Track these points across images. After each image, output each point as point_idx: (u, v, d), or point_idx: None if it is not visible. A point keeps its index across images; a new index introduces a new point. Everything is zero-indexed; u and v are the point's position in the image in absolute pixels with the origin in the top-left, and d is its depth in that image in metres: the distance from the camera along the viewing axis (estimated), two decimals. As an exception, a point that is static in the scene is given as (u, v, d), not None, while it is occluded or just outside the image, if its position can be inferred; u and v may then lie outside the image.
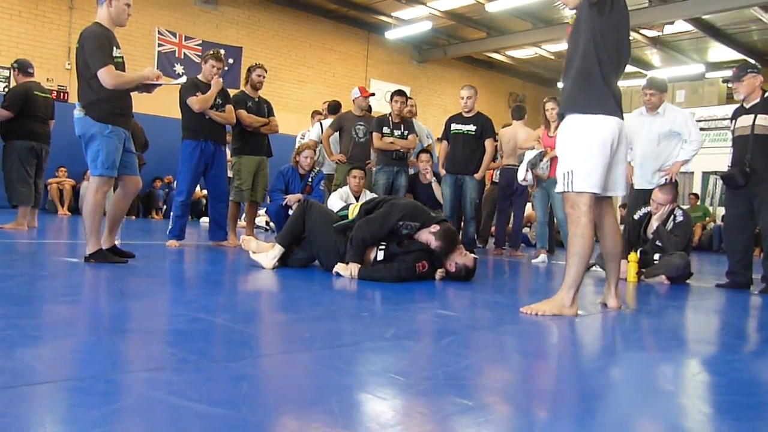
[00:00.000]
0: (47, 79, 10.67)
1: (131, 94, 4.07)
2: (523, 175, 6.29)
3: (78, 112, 3.83)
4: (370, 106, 7.96)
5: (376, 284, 3.66)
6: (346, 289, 3.50)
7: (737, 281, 4.63)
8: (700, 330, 3.22)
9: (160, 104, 10.24)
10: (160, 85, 4.15)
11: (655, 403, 1.68)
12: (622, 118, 2.92)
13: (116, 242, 4.10)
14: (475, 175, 6.34)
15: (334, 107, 7.69)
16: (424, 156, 6.77)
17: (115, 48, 3.83)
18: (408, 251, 3.87)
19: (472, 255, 4.11)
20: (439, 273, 3.97)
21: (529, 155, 6.16)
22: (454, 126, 6.46)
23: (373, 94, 6.96)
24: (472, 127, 6.33)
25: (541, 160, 6.01)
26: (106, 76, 3.70)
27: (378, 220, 3.91)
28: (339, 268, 3.89)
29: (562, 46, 15.20)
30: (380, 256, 3.88)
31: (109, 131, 3.80)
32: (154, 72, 3.99)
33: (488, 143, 6.36)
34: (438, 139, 7.15)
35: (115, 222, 4.09)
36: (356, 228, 3.90)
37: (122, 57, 3.92)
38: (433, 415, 1.44)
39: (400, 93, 6.65)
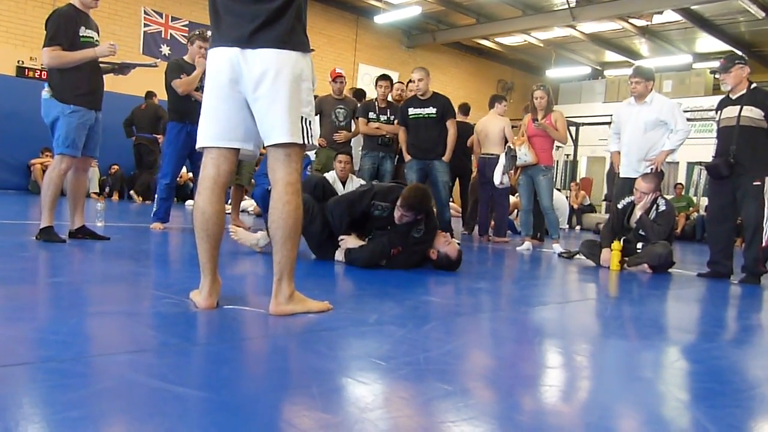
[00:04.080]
0: (30, 57, 10.50)
1: (105, 76, 4.10)
2: (499, 179, 6.29)
3: (45, 93, 3.87)
4: (361, 91, 7.90)
5: (360, 270, 3.66)
6: (330, 274, 3.50)
7: (718, 271, 4.69)
8: (680, 318, 3.26)
9: (144, 85, 10.14)
10: (135, 67, 4.11)
11: (633, 390, 1.70)
12: (247, 43, 2.13)
13: (98, 224, 4.08)
14: (444, 158, 6.22)
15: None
16: None
17: (84, 28, 3.85)
18: (383, 234, 3.81)
19: (457, 245, 4.02)
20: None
21: (503, 159, 6.18)
22: (412, 111, 6.18)
23: (340, 75, 6.79)
24: (432, 110, 6.11)
25: (513, 158, 6.03)
26: (45, 55, 3.78)
27: (348, 200, 3.86)
28: (337, 253, 3.85)
29: (552, 33, 15.24)
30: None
31: (70, 111, 3.82)
32: (106, 49, 3.87)
33: (450, 124, 6.18)
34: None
35: (77, 201, 4.12)
36: (330, 205, 3.86)
37: (92, 37, 3.90)
38: (413, 400, 1.45)
39: (384, 78, 6.60)
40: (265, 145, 2.22)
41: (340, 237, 3.84)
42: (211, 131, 2.24)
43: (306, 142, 2.21)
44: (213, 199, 2.23)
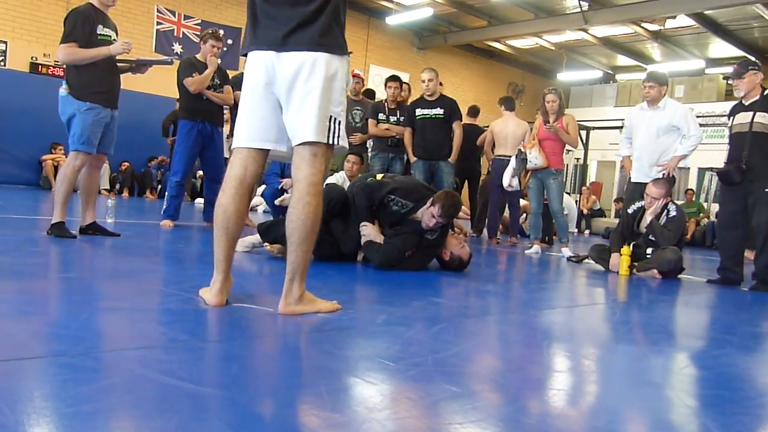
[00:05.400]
0: (44, 54, 10.58)
1: (122, 75, 4.14)
2: (507, 181, 6.29)
3: (63, 90, 3.91)
4: (371, 91, 7.90)
5: (369, 270, 3.66)
6: (339, 274, 3.51)
7: (728, 278, 4.66)
8: (689, 324, 3.24)
9: (156, 83, 10.19)
10: (151, 65, 4.15)
11: (642, 395, 1.70)
12: (282, 46, 2.15)
13: (108, 221, 4.10)
14: (450, 159, 6.25)
15: None
16: None
17: (101, 26, 3.90)
18: (397, 234, 3.77)
19: (468, 249, 4.06)
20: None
21: (513, 162, 6.19)
22: (419, 111, 6.23)
23: (359, 76, 6.84)
24: (439, 111, 6.18)
25: (524, 161, 6.01)
26: (60, 52, 3.82)
27: (370, 187, 3.82)
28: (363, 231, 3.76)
29: (564, 36, 15.19)
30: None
31: (86, 108, 3.86)
32: (120, 46, 3.88)
33: (456, 125, 6.25)
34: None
35: (89, 197, 4.14)
36: (354, 189, 3.84)
37: (110, 36, 3.95)
38: (421, 401, 1.45)
39: (393, 78, 6.60)
40: (293, 144, 2.21)
41: (362, 223, 3.77)
42: (245, 133, 2.26)
43: (333, 142, 2.20)
44: (236, 198, 2.24)
